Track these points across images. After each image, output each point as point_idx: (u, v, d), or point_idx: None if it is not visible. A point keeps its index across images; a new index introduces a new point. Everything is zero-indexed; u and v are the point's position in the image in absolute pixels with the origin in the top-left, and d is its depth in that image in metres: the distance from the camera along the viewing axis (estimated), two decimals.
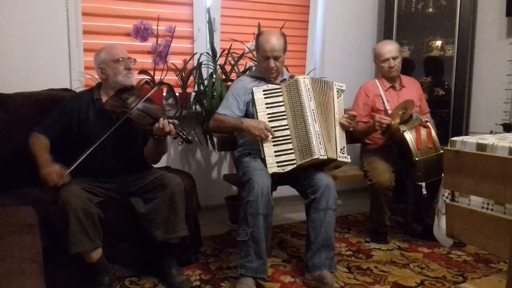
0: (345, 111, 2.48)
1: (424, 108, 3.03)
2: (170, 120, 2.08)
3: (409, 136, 2.55)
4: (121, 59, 2.20)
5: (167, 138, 2.18)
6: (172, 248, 2.23)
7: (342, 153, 2.37)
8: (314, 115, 2.32)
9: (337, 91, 2.46)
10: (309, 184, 2.29)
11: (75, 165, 2.04)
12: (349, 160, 2.39)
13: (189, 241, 2.37)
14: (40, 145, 2.15)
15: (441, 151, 2.48)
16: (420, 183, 2.53)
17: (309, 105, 2.33)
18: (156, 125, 2.05)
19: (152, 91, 2.32)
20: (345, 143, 2.41)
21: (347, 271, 2.41)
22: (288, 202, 3.33)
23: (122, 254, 2.25)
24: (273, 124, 2.32)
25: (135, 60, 2.28)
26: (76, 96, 2.39)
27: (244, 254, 2.14)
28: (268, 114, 2.33)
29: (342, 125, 2.41)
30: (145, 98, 2.20)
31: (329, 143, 2.32)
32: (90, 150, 2.05)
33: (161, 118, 2.06)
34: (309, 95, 2.35)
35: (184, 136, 2.10)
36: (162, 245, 2.19)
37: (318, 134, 2.28)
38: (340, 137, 2.39)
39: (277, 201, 2.25)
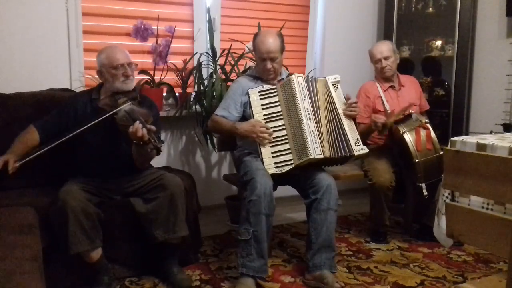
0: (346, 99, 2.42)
1: (424, 106, 3.05)
2: (148, 126, 2.01)
3: (408, 137, 2.55)
4: (120, 66, 2.17)
5: (147, 144, 2.07)
6: (173, 248, 2.23)
7: (357, 145, 2.30)
8: (308, 114, 2.31)
9: (333, 84, 2.41)
10: (310, 184, 2.29)
11: (27, 158, 2.02)
12: (367, 150, 2.31)
13: (189, 241, 2.37)
14: (23, 137, 2.15)
15: (441, 152, 2.48)
16: (420, 184, 2.54)
17: (303, 104, 2.32)
18: (130, 128, 2.00)
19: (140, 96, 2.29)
20: (358, 134, 2.34)
21: (347, 271, 2.41)
22: (288, 202, 3.33)
23: (122, 254, 2.25)
24: (270, 125, 2.32)
25: (136, 65, 2.25)
26: (76, 95, 2.40)
27: (246, 253, 2.14)
28: (264, 115, 2.33)
29: (348, 116, 2.36)
30: (132, 99, 2.17)
31: (326, 142, 2.31)
32: (49, 146, 2.03)
33: (137, 122, 2.00)
34: (303, 94, 2.34)
35: (155, 144, 2.02)
36: (162, 245, 2.19)
37: (314, 133, 2.27)
38: (350, 130, 2.32)
39: (277, 201, 2.25)
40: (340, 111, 2.36)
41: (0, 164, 1.98)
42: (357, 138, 2.32)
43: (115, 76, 2.18)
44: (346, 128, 2.33)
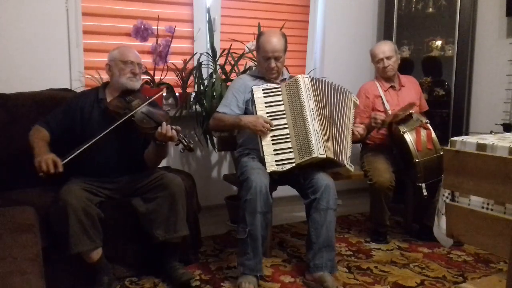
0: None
1: (424, 107, 3.05)
2: (173, 126, 2.07)
3: (409, 137, 2.55)
4: (130, 62, 2.21)
5: (168, 144, 2.17)
6: (173, 247, 2.23)
7: (349, 160, 2.39)
8: (313, 114, 2.33)
9: (354, 103, 2.50)
10: (309, 184, 2.29)
11: (71, 156, 1.99)
12: (353, 170, 2.44)
13: (189, 241, 2.38)
14: (38, 135, 2.13)
15: (441, 153, 2.48)
16: (420, 184, 2.54)
17: (309, 104, 2.34)
18: (159, 129, 2.05)
19: (157, 95, 2.31)
20: (351, 153, 2.43)
21: (347, 271, 2.41)
22: (288, 202, 3.33)
23: (122, 254, 2.25)
24: (272, 123, 2.32)
25: (145, 67, 2.27)
26: (81, 94, 2.39)
27: (243, 252, 2.16)
28: (267, 113, 2.34)
29: (353, 134, 2.45)
30: (149, 101, 2.19)
31: (328, 143, 2.32)
32: (88, 144, 2.02)
33: (164, 123, 2.06)
34: (309, 94, 2.36)
35: (186, 144, 2.09)
36: (163, 245, 2.19)
37: (318, 133, 2.29)
38: (349, 145, 2.41)
39: (277, 201, 2.26)
40: (351, 125, 2.44)
41: (53, 167, 1.93)
42: (349, 156, 2.41)
43: (123, 70, 2.20)
44: (349, 142, 2.42)
